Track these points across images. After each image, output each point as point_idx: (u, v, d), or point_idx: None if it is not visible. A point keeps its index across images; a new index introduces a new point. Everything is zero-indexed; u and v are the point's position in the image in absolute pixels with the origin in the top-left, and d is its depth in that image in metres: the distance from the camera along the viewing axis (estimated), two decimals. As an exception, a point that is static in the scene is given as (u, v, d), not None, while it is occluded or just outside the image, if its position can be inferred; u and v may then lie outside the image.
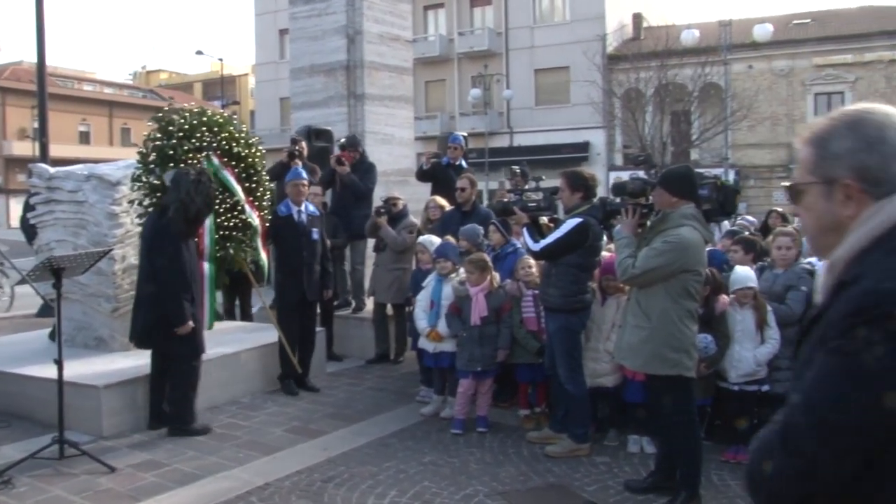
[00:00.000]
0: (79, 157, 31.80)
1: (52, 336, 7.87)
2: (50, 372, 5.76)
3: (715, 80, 29.91)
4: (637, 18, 38.27)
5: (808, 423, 1.34)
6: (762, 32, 28.15)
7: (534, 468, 5.34)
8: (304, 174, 7.60)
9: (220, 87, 45.16)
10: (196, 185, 5.91)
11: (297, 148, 8.97)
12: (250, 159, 7.10)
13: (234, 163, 6.99)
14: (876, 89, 32.44)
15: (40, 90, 12.05)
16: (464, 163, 9.60)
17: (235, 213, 7.02)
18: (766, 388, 5.62)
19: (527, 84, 37.67)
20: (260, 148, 7.27)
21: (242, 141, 7.05)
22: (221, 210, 6.86)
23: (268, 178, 7.51)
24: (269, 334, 7.54)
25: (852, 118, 1.53)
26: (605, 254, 6.71)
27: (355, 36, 10.97)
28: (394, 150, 11.00)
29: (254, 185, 7.22)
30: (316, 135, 10.22)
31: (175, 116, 6.71)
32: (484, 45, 38.01)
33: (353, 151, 9.17)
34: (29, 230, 10.61)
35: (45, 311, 11.91)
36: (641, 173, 5.26)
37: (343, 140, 9.59)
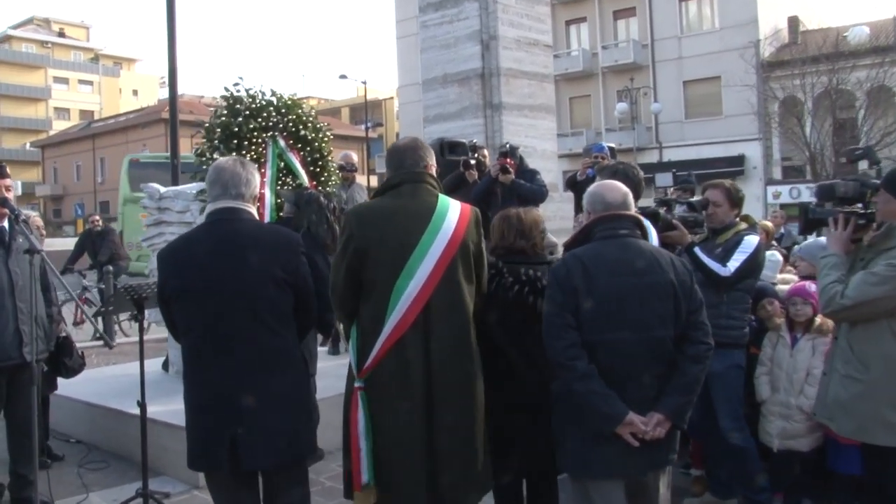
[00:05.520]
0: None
1: (164, 366, 7.43)
2: (148, 409, 5.20)
3: (886, 84, 27.25)
4: (793, 22, 35.72)
5: None
6: (947, 25, 25.29)
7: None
8: None
9: (365, 110, 45.75)
10: (319, 208, 5.60)
11: (476, 155, 8.14)
12: (317, 143, 7.00)
13: (300, 146, 6.90)
14: None
15: (172, 115, 12.27)
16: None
17: None
18: None
19: (675, 96, 35.92)
20: (328, 134, 7.18)
21: (310, 125, 6.96)
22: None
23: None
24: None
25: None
26: (786, 276, 5.57)
27: (490, 42, 10.19)
28: (535, 163, 9.98)
29: (318, 170, 7.13)
30: (449, 148, 9.44)
31: (243, 95, 6.74)
32: (629, 57, 36.57)
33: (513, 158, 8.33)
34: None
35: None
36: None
37: (506, 146, 8.71)
